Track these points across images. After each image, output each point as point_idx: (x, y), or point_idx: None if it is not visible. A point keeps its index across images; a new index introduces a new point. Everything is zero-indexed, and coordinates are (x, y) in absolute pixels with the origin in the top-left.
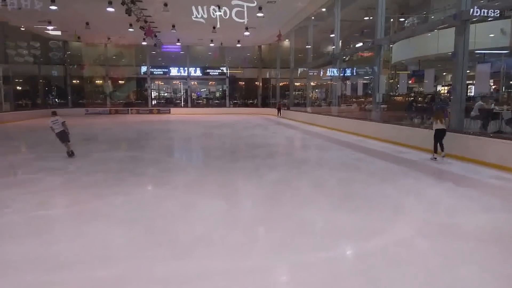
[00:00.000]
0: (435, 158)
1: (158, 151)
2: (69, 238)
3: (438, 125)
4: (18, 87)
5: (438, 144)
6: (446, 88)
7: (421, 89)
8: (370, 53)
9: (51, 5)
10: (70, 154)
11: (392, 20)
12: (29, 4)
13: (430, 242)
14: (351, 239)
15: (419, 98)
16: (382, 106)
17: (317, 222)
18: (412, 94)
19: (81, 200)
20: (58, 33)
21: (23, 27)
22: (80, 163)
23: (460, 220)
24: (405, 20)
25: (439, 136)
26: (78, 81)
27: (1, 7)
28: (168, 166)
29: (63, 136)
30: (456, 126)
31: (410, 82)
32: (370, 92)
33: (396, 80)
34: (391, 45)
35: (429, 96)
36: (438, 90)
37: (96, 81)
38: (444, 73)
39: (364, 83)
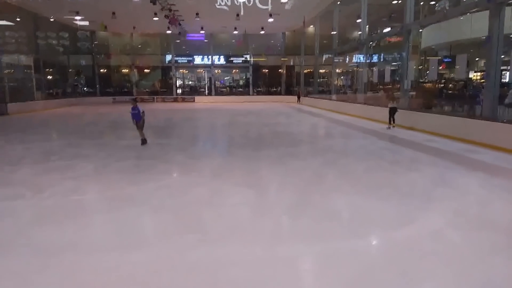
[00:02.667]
0: (389, 128)
1: (184, 139)
2: (103, 223)
3: (391, 104)
4: (48, 77)
5: (392, 118)
6: (479, 74)
7: (452, 75)
8: (398, 38)
9: None
10: (143, 141)
11: (422, 3)
12: None
13: (461, 233)
14: (380, 228)
15: (450, 85)
16: (410, 93)
17: (345, 210)
18: (443, 81)
19: (113, 186)
20: (86, 23)
21: (52, 18)
22: (111, 151)
23: (493, 211)
24: (435, 3)
25: (391, 112)
26: (105, 70)
27: None
28: (195, 154)
29: (139, 124)
30: (489, 114)
31: (440, 68)
32: (398, 79)
33: (426, 66)
34: (420, 30)
35: (461, 82)
36: (470, 76)
37: (123, 70)
38: (477, 59)
39: (392, 70)
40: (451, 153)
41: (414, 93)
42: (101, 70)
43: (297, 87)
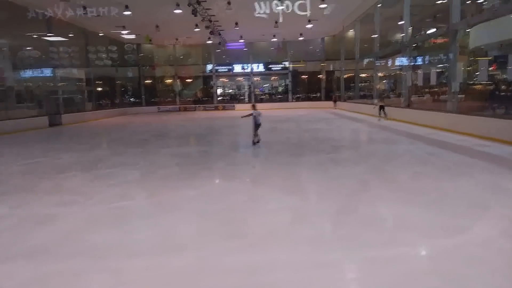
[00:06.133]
0: (379, 120)
1: (225, 146)
2: (147, 228)
3: (380, 103)
4: (98, 88)
5: (382, 111)
6: None
7: (504, 76)
8: (444, 39)
9: (125, 11)
10: (256, 142)
11: (468, 1)
12: (106, 12)
13: None
14: (424, 236)
15: (503, 86)
16: (458, 96)
17: (387, 217)
18: (494, 82)
19: (156, 192)
20: (132, 36)
21: (101, 33)
22: (154, 158)
23: None
24: (483, 1)
25: (381, 108)
26: (150, 81)
27: (82, 15)
28: (235, 160)
29: (257, 127)
30: None
31: (491, 68)
32: (444, 81)
33: (475, 67)
34: (468, 30)
35: None
36: None
37: (166, 81)
38: None
39: (437, 72)
40: (505, 158)
41: (463, 95)
42: (146, 81)
43: (333, 92)
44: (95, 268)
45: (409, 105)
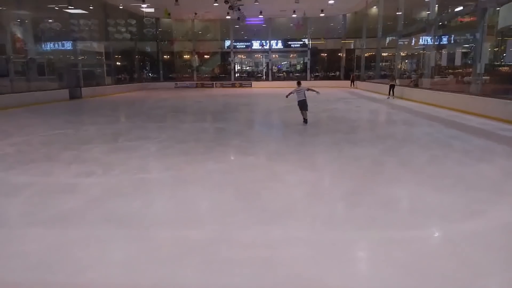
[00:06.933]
0: (388, 98)
1: (242, 123)
2: (166, 200)
3: (392, 83)
4: (117, 63)
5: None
6: None
7: None
8: (471, 18)
9: None
10: (305, 121)
11: None
12: None
13: None
14: (442, 219)
15: None
16: (484, 77)
17: (405, 199)
18: None
19: (175, 166)
20: (152, 10)
21: (121, 6)
22: (173, 133)
23: None
24: None
25: (391, 87)
26: (168, 56)
27: None
28: (251, 138)
29: (304, 105)
30: None
31: None
32: (470, 62)
33: (503, 48)
34: (497, 8)
35: None
36: None
37: (184, 56)
38: None
39: (463, 52)
40: None
41: (488, 77)
42: (165, 56)
43: (352, 71)
44: (117, 236)
45: (431, 88)
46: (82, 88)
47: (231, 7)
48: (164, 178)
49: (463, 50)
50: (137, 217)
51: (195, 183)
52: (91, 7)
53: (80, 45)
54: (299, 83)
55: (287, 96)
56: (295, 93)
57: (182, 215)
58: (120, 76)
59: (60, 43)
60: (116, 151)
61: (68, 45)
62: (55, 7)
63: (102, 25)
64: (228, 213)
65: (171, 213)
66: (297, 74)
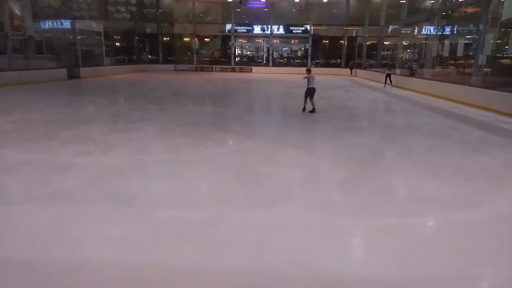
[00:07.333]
0: (385, 86)
1: (241, 109)
2: (165, 181)
3: (387, 72)
4: (116, 43)
5: (388, 79)
6: None
7: None
8: (475, 9)
9: None
10: (310, 111)
11: None
12: None
13: None
14: (439, 208)
15: None
16: (485, 69)
17: (403, 188)
18: None
19: (175, 148)
20: None
21: None
22: (173, 116)
23: None
24: None
25: (387, 76)
26: (168, 38)
27: None
28: (251, 123)
29: (311, 93)
30: None
31: None
32: (471, 53)
33: (506, 40)
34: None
35: None
36: None
37: (184, 39)
38: None
39: (465, 43)
40: None
41: (489, 69)
42: (164, 38)
43: (352, 60)
44: (114, 215)
45: (431, 78)
46: (80, 68)
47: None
48: (163, 160)
49: (466, 41)
50: (135, 197)
51: (194, 166)
52: None
53: (79, 24)
54: (309, 71)
55: (305, 78)
56: (310, 79)
57: (180, 197)
58: (119, 57)
59: (59, 22)
60: (117, 132)
61: (66, 24)
62: None
63: (102, 3)
64: (227, 196)
65: (169, 194)
66: (298, 61)
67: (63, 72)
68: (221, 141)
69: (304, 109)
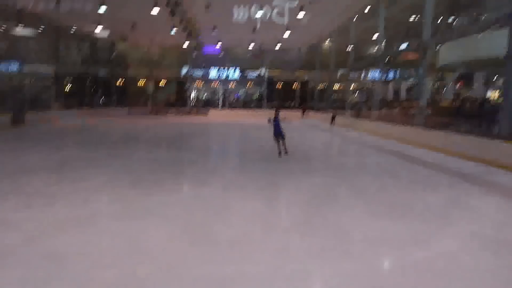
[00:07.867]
0: (331, 125)
1: (197, 153)
2: (113, 234)
3: (333, 114)
4: (67, 87)
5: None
6: (497, 93)
7: (469, 93)
8: (415, 55)
9: (100, 7)
10: (286, 152)
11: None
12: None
13: (477, 257)
14: (392, 249)
15: (467, 104)
16: (426, 111)
17: (357, 230)
18: (460, 99)
19: (124, 198)
20: (106, 33)
21: (75, 26)
22: (124, 162)
23: (510, 235)
24: (453, 21)
25: (333, 118)
26: (122, 82)
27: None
28: (207, 168)
29: (281, 135)
30: (507, 134)
31: (457, 86)
32: (413, 96)
33: (442, 84)
34: (438, 47)
35: (479, 101)
36: (488, 95)
37: (139, 82)
38: (496, 76)
39: (409, 87)
40: (468, 174)
41: (429, 111)
42: (118, 82)
43: (304, 103)
44: (58, 276)
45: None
46: (26, 113)
47: (189, 35)
48: (110, 212)
49: (408, 85)
50: (79, 256)
51: (145, 217)
52: (41, 29)
53: (27, 67)
54: (277, 110)
55: (269, 122)
56: (272, 122)
57: (129, 251)
58: (69, 101)
59: (4, 65)
60: (61, 182)
61: (13, 68)
62: (1, 26)
63: (53, 47)
64: (179, 248)
65: (116, 250)
66: (253, 104)
67: (5, 118)
68: (175, 187)
69: (285, 152)
